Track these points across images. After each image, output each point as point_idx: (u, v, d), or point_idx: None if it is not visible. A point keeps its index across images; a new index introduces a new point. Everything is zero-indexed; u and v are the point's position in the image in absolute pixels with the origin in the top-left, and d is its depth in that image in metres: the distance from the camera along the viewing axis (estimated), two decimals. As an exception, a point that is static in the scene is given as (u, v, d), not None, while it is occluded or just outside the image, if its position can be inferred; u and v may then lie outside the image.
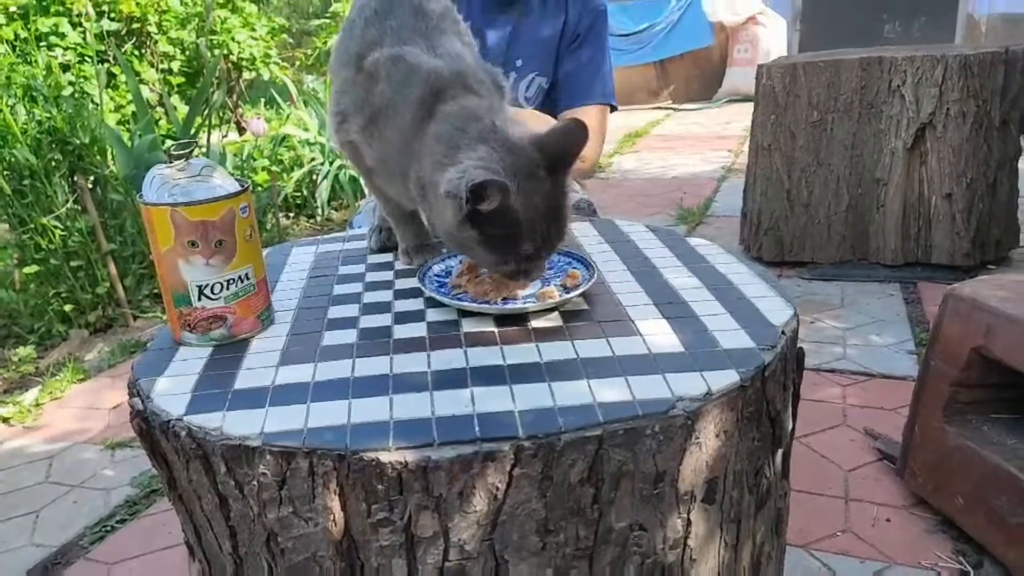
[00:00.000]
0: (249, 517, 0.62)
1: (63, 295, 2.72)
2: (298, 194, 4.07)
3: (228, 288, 0.73)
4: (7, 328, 2.72)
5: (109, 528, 1.53)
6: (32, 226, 2.67)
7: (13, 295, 2.74)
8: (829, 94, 2.38)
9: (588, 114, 1.45)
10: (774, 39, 6.85)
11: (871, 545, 1.26)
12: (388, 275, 0.91)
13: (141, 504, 1.59)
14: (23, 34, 4.05)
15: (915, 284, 2.38)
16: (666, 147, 5.21)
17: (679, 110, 6.92)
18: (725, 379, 0.64)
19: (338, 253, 1.01)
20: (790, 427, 0.76)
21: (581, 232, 1.03)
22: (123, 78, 3.76)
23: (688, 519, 0.65)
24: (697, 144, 5.19)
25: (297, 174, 4.03)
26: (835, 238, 2.50)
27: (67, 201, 2.68)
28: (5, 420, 2.02)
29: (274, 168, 4.02)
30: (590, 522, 0.61)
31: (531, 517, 0.60)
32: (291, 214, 4.09)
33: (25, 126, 2.69)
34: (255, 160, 4.07)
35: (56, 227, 2.68)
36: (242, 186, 0.74)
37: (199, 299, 0.72)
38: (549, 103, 1.48)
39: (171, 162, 0.73)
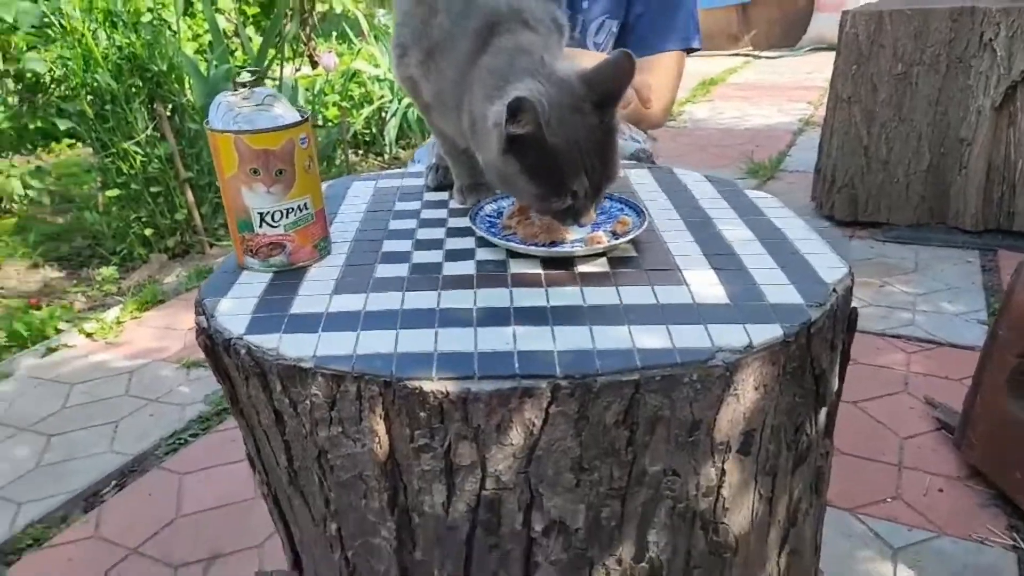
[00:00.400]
0: (302, 434, 0.66)
1: (143, 220, 2.85)
2: (367, 131, 4.11)
3: (287, 216, 0.75)
4: (92, 249, 2.87)
5: (182, 441, 1.64)
6: (114, 151, 2.79)
7: (97, 217, 2.88)
8: (916, 45, 2.26)
9: (660, 61, 1.41)
10: (867, -16, 6.49)
11: (920, 513, 1.25)
12: (442, 213, 0.92)
13: (212, 420, 1.69)
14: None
15: (995, 251, 2.28)
16: (742, 96, 5.04)
17: (759, 57, 6.67)
18: (768, 333, 0.64)
19: (396, 189, 1.03)
20: (835, 387, 0.75)
21: (637, 179, 1.03)
22: (200, 6, 3.81)
23: (722, 468, 0.66)
24: (775, 94, 5.01)
25: (367, 111, 4.07)
26: (913, 199, 2.40)
27: (147, 127, 2.78)
28: (89, 335, 2.15)
29: (344, 104, 4.07)
30: (624, 464, 0.63)
31: (566, 454, 0.61)
32: (360, 151, 4.14)
33: (106, 51, 2.77)
34: (326, 95, 4.12)
35: (136, 152, 2.78)
36: (302, 117, 0.76)
37: (260, 226, 0.75)
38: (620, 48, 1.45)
39: (236, 90, 0.76)
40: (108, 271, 2.63)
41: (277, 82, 3.34)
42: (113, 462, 1.58)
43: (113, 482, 1.53)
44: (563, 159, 0.71)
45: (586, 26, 1.39)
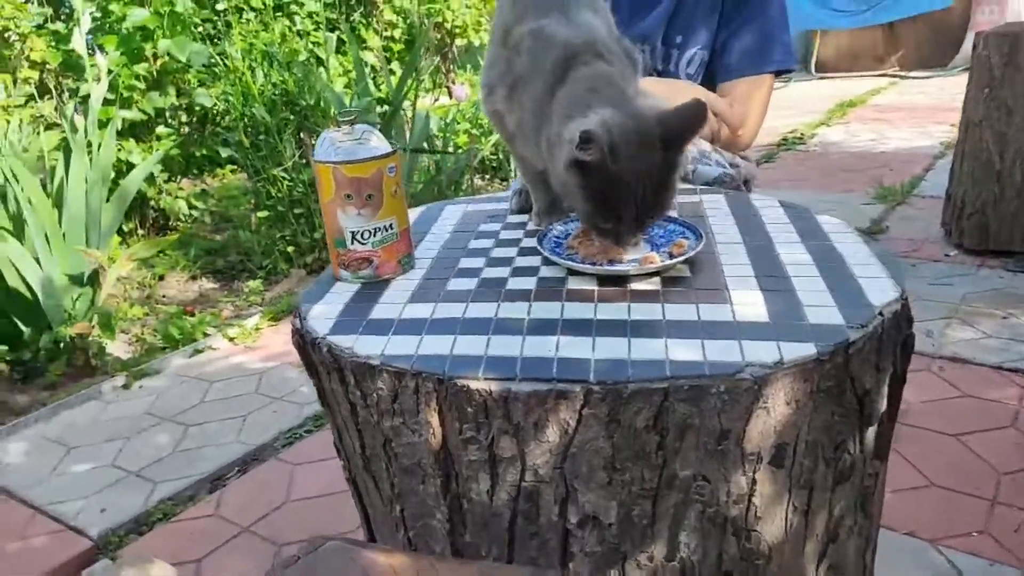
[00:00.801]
0: (371, 423, 0.75)
1: (287, 238, 3.12)
2: (494, 157, 4.28)
3: (375, 235, 0.86)
4: (243, 263, 3.17)
5: (299, 436, 1.81)
6: (265, 176, 3.08)
7: (249, 235, 3.18)
8: (1057, 67, 2.12)
9: (745, 87, 1.44)
10: (1028, 0, 6.02)
11: (1007, 550, 1.19)
12: (518, 234, 1.00)
13: (325, 419, 1.85)
14: (269, 1, 4.57)
15: None
16: (881, 119, 4.82)
17: (906, 78, 6.33)
18: (801, 351, 0.66)
19: (483, 212, 1.11)
20: (882, 408, 0.76)
21: (710, 203, 1.06)
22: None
23: (753, 478, 0.69)
24: (919, 116, 4.75)
25: (494, 138, 4.24)
26: (1050, 228, 2.24)
27: (293, 156, 3.04)
28: (231, 339, 2.39)
29: (474, 131, 4.25)
30: (654, 467, 0.67)
31: (598, 454, 0.67)
32: (487, 176, 4.31)
33: (262, 87, 3.08)
34: (458, 123, 4.32)
35: (284, 178, 3.06)
36: (392, 149, 0.86)
37: (352, 243, 0.86)
38: (709, 75, 1.49)
39: (339, 127, 0.87)
40: (254, 284, 2.90)
41: (410, 113, 3.55)
42: (238, 451, 1.77)
43: (236, 468, 1.72)
44: (616, 187, 0.77)
45: (679, 60, 1.44)
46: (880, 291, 0.76)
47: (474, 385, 0.66)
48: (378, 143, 0.86)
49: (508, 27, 0.93)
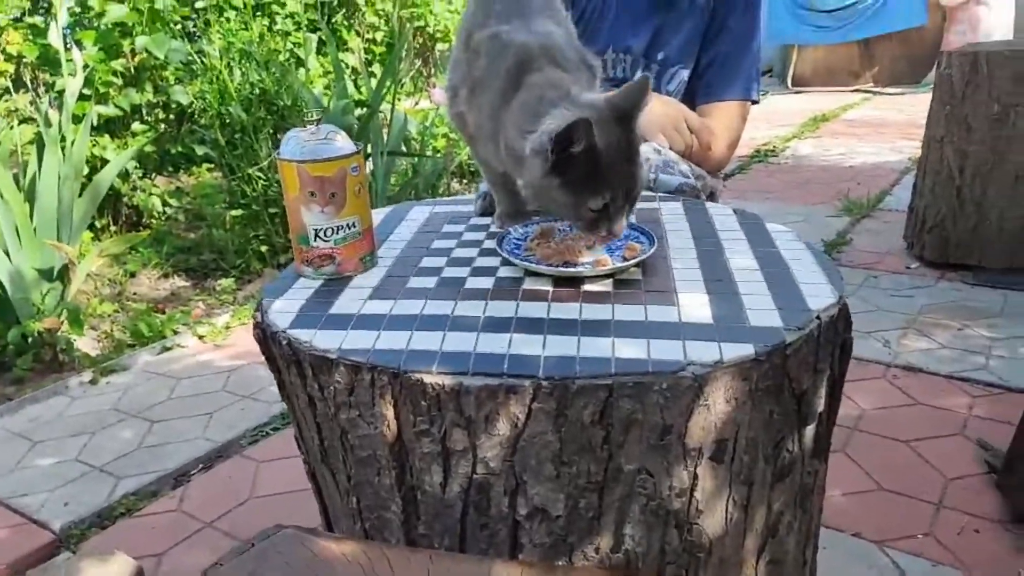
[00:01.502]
0: (328, 416, 0.77)
1: (261, 237, 3.11)
2: (472, 161, 4.32)
3: (337, 233, 0.88)
4: (216, 262, 3.16)
5: (265, 433, 1.82)
6: (240, 175, 3.08)
7: (223, 233, 3.17)
8: (1016, 88, 2.19)
9: (722, 110, 1.49)
10: (997, 22, 6.16)
11: (950, 551, 1.23)
12: (480, 235, 1.03)
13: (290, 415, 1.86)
14: (250, 0, 4.57)
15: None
16: (851, 133, 4.91)
17: (880, 94, 6.45)
18: (740, 351, 0.69)
19: (448, 214, 1.14)
20: (819, 408, 0.79)
21: (667, 211, 1.10)
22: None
23: (695, 472, 0.71)
24: (889, 132, 4.85)
25: (472, 142, 4.28)
26: (1007, 243, 2.31)
27: (269, 155, 3.05)
28: (201, 337, 2.39)
29: (452, 135, 4.27)
30: (600, 460, 0.70)
31: (547, 448, 0.69)
32: (464, 180, 4.34)
33: (240, 86, 3.08)
34: (436, 127, 4.35)
35: (259, 177, 3.06)
36: (356, 149, 0.88)
37: (315, 240, 0.88)
38: (689, 94, 1.53)
39: (305, 126, 0.89)
40: (227, 282, 2.90)
41: (389, 115, 3.56)
42: (204, 447, 1.77)
43: (200, 465, 1.72)
44: (600, 169, 0.80)
45: (660, 76, 1.48)
46: (819, 296, 0.80)
47: (428, 379, 0.69)
48: (343, 143, 0.89)
49: (471, 31, 0.95)
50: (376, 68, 5.25)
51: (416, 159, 3.70)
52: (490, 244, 0.97)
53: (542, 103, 0.84)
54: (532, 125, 0.83)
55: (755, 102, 1.52)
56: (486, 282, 0.86)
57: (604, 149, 0.80)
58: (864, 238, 2.90)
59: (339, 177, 0.86)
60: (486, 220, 1.09)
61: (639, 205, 1.09)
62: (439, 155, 4.06)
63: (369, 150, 3.14)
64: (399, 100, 4.00)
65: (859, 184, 3.60)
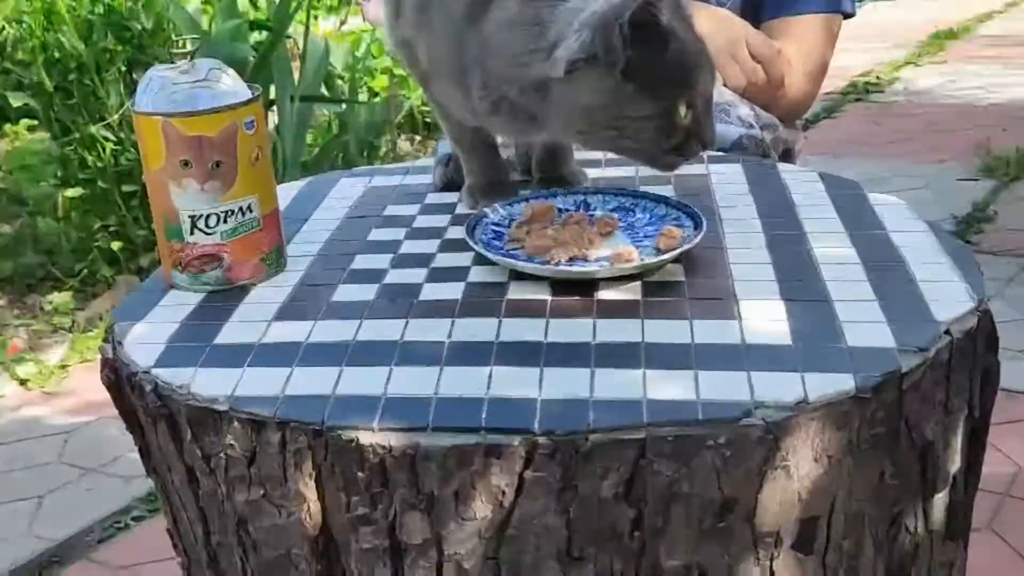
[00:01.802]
0: (218, 497, 0.76)
1: (111, 229, 3.09)
2: (428, 108, 4.31)
3: (226, 221, 0.88)
4: (44, 268, 3.13)
5: (123, 525, 1.80)
6: (79, 136, 3.06)
7: (54, 224, 3.14)
8: None
9: (800, 27, 1.52)
10: None
11: None
12: (442, 220, 1.03)
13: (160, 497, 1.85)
14: None
15: None
16: (995, 56, 4.97)
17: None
18: (833, 384, 0.70)
19: (393, 189, 1.14)
20: (955, 467, 0.80)
21: (721, 177, 1.11)
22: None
23: (771, 568, 0.72)
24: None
25: (427, 81, 4.28)
26: None
27: (122, 106, 3.03)
28: (23, 382, 2.38)
29: (398, 70, 4.27)
30: (629, 554, 0.70)
31: (549, 537, 0.69)
32: (417, 137, 4.35)
33: (74, 4, 3.06)
34: (374, 58, 4.36)
35: (107, 139, 3.04)
36: (252, 94, 0.88)
37: (191, 232, 0.88)
38: (751, 6, 1.55)
39: (173, 62, 0.89)
40: (61, 298, 2.88)
41: (301, 42, 3.56)
42: (29, 549, 1.75)
43: (26, 578, 1.70)
44: (683, 50, 0.86)
45: None
46: (950, 301, 0.80)
47: (366, 438, 0.68)
48: (231, 86, 0.89)
49: None
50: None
51: (344, 107, 3.70)
52: (457, 233, 0.98)
53: (542, 5, 0.86)
54: (538, 40, 0.86)
55: (849, 15, 1.53)
56: (452, 290, 0.87)
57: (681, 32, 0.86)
58: (1014, 211, 2.93)
59: (226, 138, 0.86)
60: (451, 196, 1.09)
61: (681, 170, 1.11)
62: (378, 100, 4.06)
63: (272, 95, 3.14)
64: (316, 19, 3.99)
65: (1005, 131, 3.63)
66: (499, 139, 1.10)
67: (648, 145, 0.89)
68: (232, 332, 0.83)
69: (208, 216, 0.87)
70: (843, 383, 0.70)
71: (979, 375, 0.80)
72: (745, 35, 1.42)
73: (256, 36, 3.68)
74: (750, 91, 1.43)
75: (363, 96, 4.05)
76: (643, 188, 1.05)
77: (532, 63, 0.87)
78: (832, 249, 0.91)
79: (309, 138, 3.56)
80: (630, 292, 0.85)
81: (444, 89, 0.98)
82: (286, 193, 1.13)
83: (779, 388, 0.70)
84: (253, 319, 0.85)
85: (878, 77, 4.70)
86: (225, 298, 0.89)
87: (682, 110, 0.87)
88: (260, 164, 0.89)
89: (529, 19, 0.87)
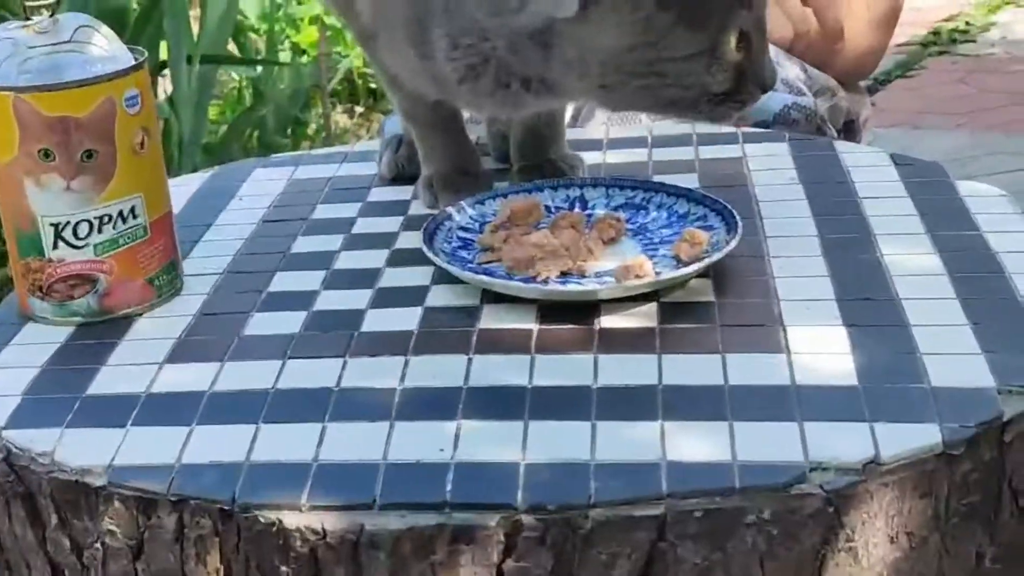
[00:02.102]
0: (95, 603, 0.76)
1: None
2: (370, 71, 4.31)
3: (100, 231, 0.87)
4: None
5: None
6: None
7: None
8: None
9: None
10: None
11: None
12: (392, 224, 1.03)
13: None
14: None
15: None
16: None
17: None
18: (915, 439, 0.70)
19: (326, 181, 1.14)
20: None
21: (763, 161, 1.12)
22: None
23: None
24: None
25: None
26: None
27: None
28: None
29: (332, 22, 4.26)
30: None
31: (538, 647, 0.69)
32: (357, 108, 4.34)
33: None
34: (299, 3, 4.35)
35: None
36: (135, 61, 0.88)
37: (55, 246, 0.87)
38: None
39: (28, 18, 0.89)
40: None
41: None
42: None
43: None
44: None
45: None
46: (1066, 323, 0.81)
47: (293, 521, 0.68)
48: (107, 49, 0.89)
49: None
50: None
51: (259, 70, 3.69)
52: (412, 241, 0.98)
53: None
54: None
55: None
56: (406, 317, 0.87)
57: None
58: None
59: (101, 119, 0.86)
60: (403, 191, 1.09)
61: (705, 151, 1.11)
62: (305, 60, 4.06)
63: (164, 56, 3.13)
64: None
65: None
66: (466, 113, 1.10)
67: (695, 94, 0.89)
68: (110, 379, 0.82)
69: (77, 224, 0.87)
70: (926, 436, 0.70)
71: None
72: None
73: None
74: (799, 45, 1.44)
75: (285, 55, 4.05)
76: (657, 178, 1.05)
77: (527, 3, 0.87)
78: (909, 256, 0.91)
79: (213, 112, 3.56)
80: (642, 318, 0.85)
81: (395, 51, 0.99)
82: (182, 190, 1.13)
83: (841, 444, 0.70)
84: (138, 361, 0.84)
85: (968, 23, 4.72)
86: (100, 333, 0.88)
87: (732, 40, 0.87)
88: (147, 153, 0.89)
89: None
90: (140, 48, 0.91)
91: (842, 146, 1.16)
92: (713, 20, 0.87)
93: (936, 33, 4.63)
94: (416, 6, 0.93)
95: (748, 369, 0.78)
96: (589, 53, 0.88)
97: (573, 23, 0.85)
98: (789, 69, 1.36)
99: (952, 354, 0.78)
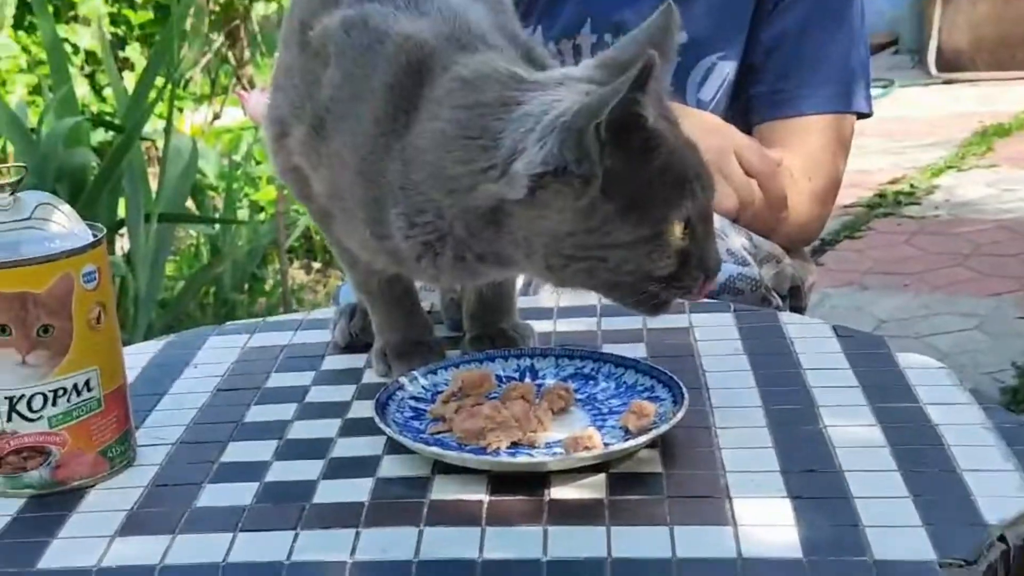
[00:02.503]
0: None
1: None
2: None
3: (54, 403, 0.87)
4: None
5: None
6: None
7: None
8: None
9: (804, 131, 1.58)
10: None
11: None
12: (345, 393, 1.04)
13: None
14: None
15: None
16: (1056, 157, 5.13)
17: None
18: (856, 613, 0.71)
19: (280, 350, 1.16)
20: None
21: (709, 331, 1.14)
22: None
23: None
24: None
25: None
26: None
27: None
28: None
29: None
30: None
31: None
32: (314, 264, 4.36)
33: None
34: (256, 163, 4.38)
35: None
36: (94, 237, 0.89)
37: (9, 418, 0.87)
38: (741, 105, 1.61)
39: (-9, 194, 0.90)
40: None
41: (161, 142, 3.57)
42: None
43: None
44: (675, 155, 0.89)
45: (684, 74, 1.56)
46: (1002, 496, 0.82)
47: None
48: (66, 226, 0.90)
49: (307, 17, 1.00)
50: (134, 52, 5.30)
51: (217, 228, 3.71)
52: (364, 411, 0.98)
53: (488, 111, 0.89)
54: (487, 154, 0.88)
55: (864, 115, 1.59)
56: (357, 489, 0.87)
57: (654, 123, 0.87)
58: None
59: (58, 295, 0.87)
60: (356, 360, 1.11)
61: (653, 322, 1.13)
62: (263, 218, 4.08)
63: (122, 213, 3.14)
64: (180, 112, 4.03)
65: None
66: (418, 283, 1.12)
67: (636, 279, 0.90)
68: (61, 553, 0.82)
69: (32, 397, 0.87)
70: (869, 610, 0.71)
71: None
72: (735, 144, 1.45)
73: (101, 136, 3.69)
74: (744, 215, 1.46)
75: (243, 213, 4.06)
76: (606, 347, 1.07)
77: (480, 184, 0.89)
78: (851, 428, 0.93)
79: (170, 268, 3.56)
80: (591, 489, 0.85)
81: (351, 230, 1.00)
82: (137, 360, 1.14)
83: (786, 618, 0.71)
84: (90, 534, 0.84)
85: (912, 185, 4.79)
86: (51, 505, 0.88)
87: (677, 230, 0.88)
88: (103, 327, 0.90)
89: (472, 129, 0.89)
90: (99, 225, 0.93)
91: (786, 317, 1.18)
92: (656, 210, 0.88)
93: (882, 195, 4.70)
94: (372, 187, 0.94)
95: (695, 542, 0.78)
96: (535, 235, 0.89)
97: (522, 205, 0.87)
98: (734, 239, 1.38)
99: (893, 527, 0.79)
